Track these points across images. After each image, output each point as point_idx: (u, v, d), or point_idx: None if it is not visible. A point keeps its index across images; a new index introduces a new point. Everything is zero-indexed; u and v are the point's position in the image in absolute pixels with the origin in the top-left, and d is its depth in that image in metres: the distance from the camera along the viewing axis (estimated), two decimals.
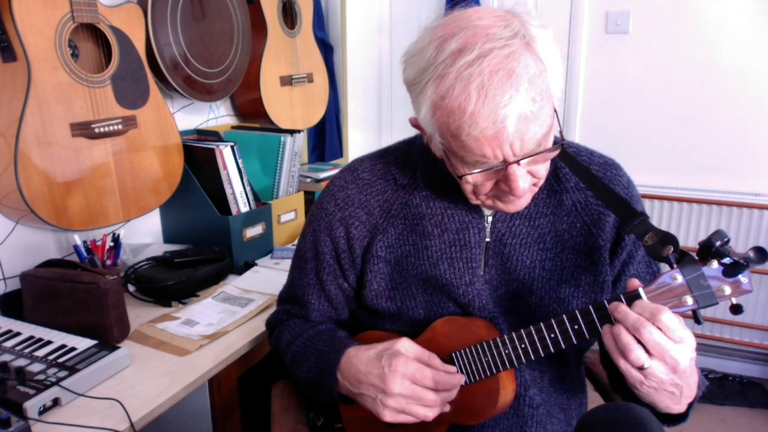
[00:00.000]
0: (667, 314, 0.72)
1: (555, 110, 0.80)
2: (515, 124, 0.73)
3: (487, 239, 0.95)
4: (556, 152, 0.81)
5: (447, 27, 0.78)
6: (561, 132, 0.82)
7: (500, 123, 0.73)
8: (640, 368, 0.73)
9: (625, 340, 0.73)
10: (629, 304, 0.76)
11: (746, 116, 2.24)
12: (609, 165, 0.98)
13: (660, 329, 0.72)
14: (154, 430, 1.06)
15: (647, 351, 0.72)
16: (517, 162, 0.78)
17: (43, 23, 1.28)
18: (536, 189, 0.88)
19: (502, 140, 0.74)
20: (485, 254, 0.95)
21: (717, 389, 2.29)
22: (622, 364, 0.74)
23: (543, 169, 0.84)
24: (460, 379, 0.88)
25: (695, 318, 0.76)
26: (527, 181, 0.81)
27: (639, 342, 0.72)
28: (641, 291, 0.77)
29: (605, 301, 0.78)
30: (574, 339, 0.81)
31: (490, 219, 0.95)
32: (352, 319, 1.10)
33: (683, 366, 0.73)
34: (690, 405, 0.82)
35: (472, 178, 0.82)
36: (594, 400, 1.03)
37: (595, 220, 0.94)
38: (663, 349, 0.72)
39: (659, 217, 2.41)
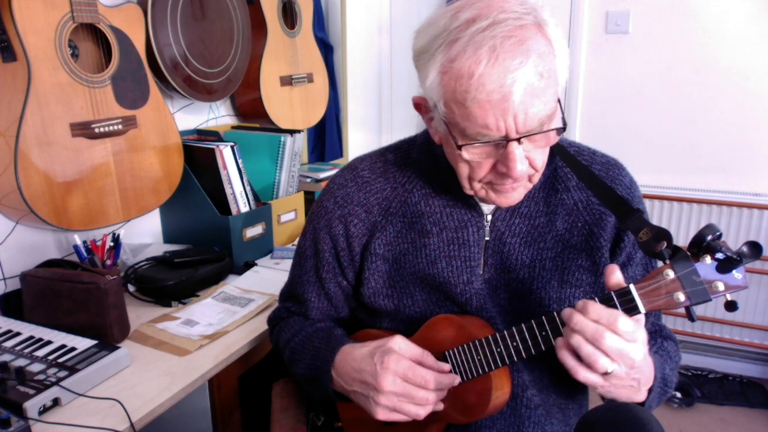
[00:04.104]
0: (623, 319, 0.73)
1: (559, 100, 0.80)
2: (521, 93, 0.73)
3: (487, 238, 0.95)
4: (558, 135, 0.81)
5: (463, 0, 0.79)
6: (564, 118, 0.82)
7: (507, 88, 0.73)
8: (604, 374, 0.75)
9: (588, 350, 0.74)
10: (619, 302, 0.76)
11: (746, 116, 2.24)
12: (611, 164, 0.97)
13: (618, 335, 0.73)
14: (154, 430, 1.06)
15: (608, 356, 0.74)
16: (518, 140, 0.77)
17: (43, 23, 1.28)
18: (530, 185, 0.88)
19: (507, 108, 0.74)
20: (485, 253, 0.95)
21: (717, 389, 2.30)
22: (582, 375, 0.75)
23: (540, 159, 0.83)
24: (453, 378, 0.88)
25: (689, 315, 0.76)
26: (525, 164, 0.80)
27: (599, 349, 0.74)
28: (632, 288, 0.76)
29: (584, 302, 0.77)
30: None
31: (489, 218, 0.95)
32: (352, 318, 1.10)
33: (639, 362, 0.75)
34: (650, 390, 0.85)
35: (470, 153, 0.81)
36: (594, 400, 1.03)
37: (597, 220, 0.94)
38: (623, 353, 0.74)
39: (659, 217, 2.41)
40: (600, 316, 0.74)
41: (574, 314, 0.75)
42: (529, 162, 0.82)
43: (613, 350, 0.73)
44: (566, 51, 0.81)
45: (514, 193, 0.86)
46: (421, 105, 0.87)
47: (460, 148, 0.81)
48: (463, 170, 0.85)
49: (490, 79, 0.73)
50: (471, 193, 0.89)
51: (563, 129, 0.81)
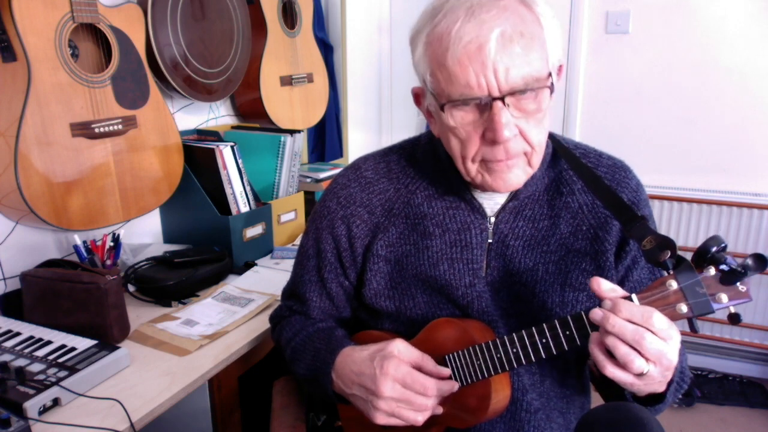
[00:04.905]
0: (657, 316, 0.71)
1: (551, 74, 0.81)
2: (496, 42, 0.75)
3: (490, 240, 0.95)
4: (542, 88, 0.80)
5: None
6: (552, 83, 0.81)
7: (483, 37, 0.75)
8: (639, 375, 0.72)
9: (624, 351, 0.71)
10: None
11: (746, 116, 2.24)
12: (618, 167, 0.96)
13: (654, 333, 0.71)
14: (154, 430, 1.06)
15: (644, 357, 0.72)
16: (502, 99, 0.78)
17: (43, 23, 1.28)
18: (530, 170, 0.87)
19: (485, 60, 0.76)
20: (487, 256, 0.95)
21: (717, 389, 2.30)
22: (617, 373, 0.73)
23: (534, 133, 0.82)
24: (452, 385, 0.87)
25: (691, 326, 0.75)
26: (513, 131, 0.80)
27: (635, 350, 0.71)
28: (635, 298, 0.75)
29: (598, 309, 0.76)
30: (565, 345, 0.79)
31: (492, 220, 0.95)
32: (353, 318, 1.09)
33: (675, 364, 0.74)
34: (669, 382, 0.82)
35: (455, 118, 0.81)
36: (596, 401, 1.03)
37: (602, 224, 0.93)
38: (661, 354, 0.71)
39: (659, 217, 2.40)
40: (633, 314, 0.71)
41: (610, 316, 0.72)
42: (521, 134, 0.82)
43: (653, 352, 0.71)
44: (558, 29, 0.82)
45: (510, 174, 0.85)
46: (419, 94, 0.89)
47: (443, 108, 0.81)
48: (456, 147, 0.85)
49: (466, 31, 0.76)
50: (468, 178, 0.88)
51: (551, 90, 0.81)
